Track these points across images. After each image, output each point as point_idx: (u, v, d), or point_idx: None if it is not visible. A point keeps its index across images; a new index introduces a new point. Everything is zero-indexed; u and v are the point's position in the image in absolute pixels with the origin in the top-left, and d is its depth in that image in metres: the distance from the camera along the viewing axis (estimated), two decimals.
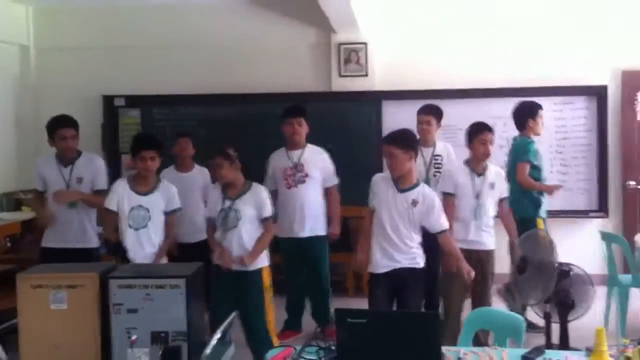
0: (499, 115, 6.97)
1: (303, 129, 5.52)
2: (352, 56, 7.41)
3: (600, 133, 7.02)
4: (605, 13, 7.03)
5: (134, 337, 2.75)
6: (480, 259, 4.70)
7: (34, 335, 2.86)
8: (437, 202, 4.25)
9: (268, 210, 4.50)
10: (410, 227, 4.22)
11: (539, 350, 2.82)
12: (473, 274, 4.29)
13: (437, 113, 5.65)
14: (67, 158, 4.91)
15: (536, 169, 5.57)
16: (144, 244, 4.51)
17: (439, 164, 5.51)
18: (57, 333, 2.83)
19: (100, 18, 7.64)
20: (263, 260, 4.52)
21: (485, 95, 7.10)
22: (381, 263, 4.25)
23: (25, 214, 6.62)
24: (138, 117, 7.59)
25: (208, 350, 2.79)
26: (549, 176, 6.79)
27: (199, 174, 5.77)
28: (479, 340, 3.77)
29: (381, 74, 7.37)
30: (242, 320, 4.36)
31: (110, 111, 7.56)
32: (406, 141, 4.20)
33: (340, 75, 7.42)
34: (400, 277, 4.21)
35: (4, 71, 7.42)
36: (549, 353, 2.82)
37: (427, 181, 5.02)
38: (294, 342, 3.56)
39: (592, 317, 4.47)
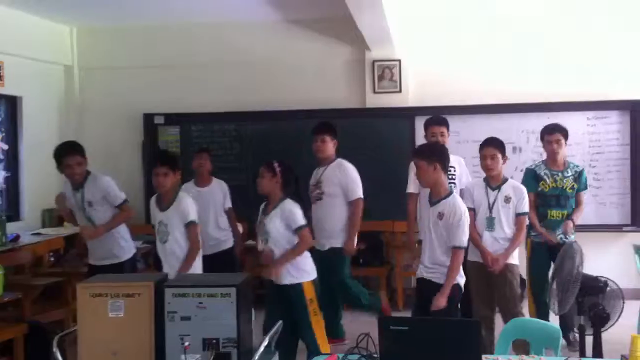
0: (532, 130, 7.07)
1: (327, 145, 5.62)
2: (386, 73, 7.56)
3: (634, 147, 7.05)
4: (638, 27, 7.09)
5: (186, 344, 2.89)
6: (491, 273, 4.81)
7: (93, 342, 3.02)
8: (460, 215, 4.14)
9: (297, 222, 4.51)
10: (437, 241, 4.21)
11: (576, 359, 2.92)
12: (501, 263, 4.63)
13: (447, 124, 5.72)
14: (75, 183, 5.05)
15: (541, 196, 5.48)
16: (168, 257, 4.70)
17: (452, 174, 5.60)
18: (115, 340, 2.99)
19: (140, 38, 7.94)
20: (303, 276, 4.59)
21: (518, 111, 7.18)
22: (418, 269, 4.38)
23: (67, 229, 6.83)
24: (177, 134, 7.82)
25: (256, 357, 2.94)
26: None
27: (218, 187, 5.98)
28: (519, 349, 3.84)
29: (414, 90, 7.52)
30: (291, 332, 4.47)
31: (150, 129, 7.81)
32: (429, 152, 4.25)
33: (375, 92, 7.58)
34: (425, 287, 4.26)
35: (49, 90, 7.71)
36: None
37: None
38: (334, 350, 3.66)
39: (624, 330, 4.51)
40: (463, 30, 7.40)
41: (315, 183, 5.65)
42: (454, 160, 5.71)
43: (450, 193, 4.25)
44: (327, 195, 5.58)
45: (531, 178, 5.48)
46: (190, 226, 4.68)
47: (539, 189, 5.45)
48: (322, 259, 5.56)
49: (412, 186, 5.48)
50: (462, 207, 4.18)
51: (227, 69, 7.79)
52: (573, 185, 5.47)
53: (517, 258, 4.98)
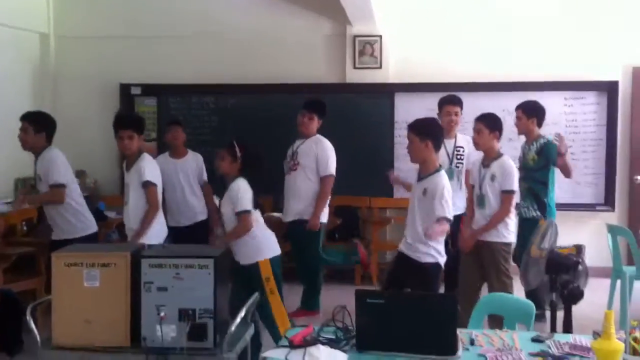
0: (510, 109, 7.06)
1: (313, 123, 5.69)
2: (367, 49, 7.52)
3: (610, 128, 7.13)
4: (617, 10, 7.14)
5: (162, 314, 2.89)
6: (481, 248, 4.83)
7: (67, 311, 3.00)
8: (442, 191, 4.13)
9: (241, 205, 4.32)
10: (420, 218, 4.20)
11: (547, 334, 2.96)
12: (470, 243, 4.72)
13: (461, 104, 5.79)
14: (34, 154, 5.09)
15: None
16: (128, 219, 4.70)
17: (461, 155, 5.64)
18: (90, 309, 2.98)
19: (119, 7, 7.80)
20: (258, 254, 4.45)
21: (496, 89, 7.19)
22: (401, 243, 4.39)
23: None
24: (154, 106, 7.73)
25: (233, 328, 2.94)
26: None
27: (192, 159, 5.92)
28: (495, 324, 3.88)
29: (395, 66, 7.49)
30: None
31: (127, 99, 7.70)
32: (423, 128, 4.22)
33: (355, 67, 7.53)
34: (404, 263, 4.28)
35: (23, 58, 7.55)
36: (557, 336, 2.96)
37: (450, 173, 5.09)
38: (307, 322, 3.63)
39: (593, 308, 4.60)
40: (445, 8, 7.38)
41: (291, 154, 5.72)
42: (462, 139, 5.78)
43: (437, 170, 4.25)
44: (301, 167, 5.64)
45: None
46: (147, 187, 4.61)
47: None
48: (290, 230, 5.71)
49: None
50: (443, 183, 4.18)
51: (207, 41, 7.69)
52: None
53: (509, 235, 4.89)
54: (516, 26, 7.27)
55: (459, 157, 5.68)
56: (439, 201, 4.11)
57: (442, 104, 5.81)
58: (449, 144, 5.61)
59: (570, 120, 7.17)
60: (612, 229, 5.74)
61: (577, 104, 7.18)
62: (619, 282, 5.58)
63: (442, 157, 5.30)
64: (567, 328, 4.09)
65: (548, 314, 4.14)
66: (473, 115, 5.13)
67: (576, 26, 7.19)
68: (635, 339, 2.35)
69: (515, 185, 4.87)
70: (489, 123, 4.88)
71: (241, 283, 4.33)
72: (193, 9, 7.67)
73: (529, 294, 4.57)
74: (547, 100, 6.51)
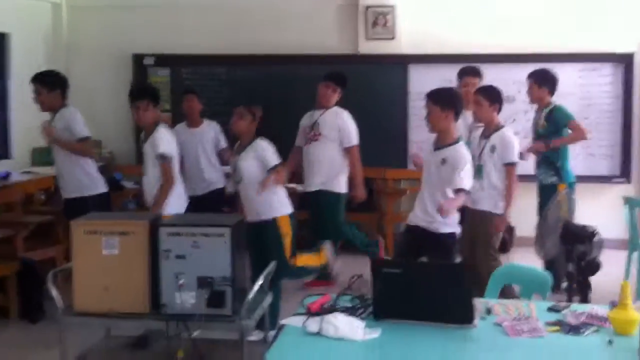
0: (524, 81, 7.02)
1: (334, 95, 5.72)
2: (380, 19, 7.45)
3: (626, 100, 7.05)
4: None
5: (181, 281, 2.93)
6: (472, 218, 4.78)
7: (87, 278, 3.06)
8: (464, 162, 4.15)
9: (271, 161, 4.45)
10: (438, 187, 4.20)
11: (564, 303, 2.98)
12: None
13: (481, 76, 5.74)
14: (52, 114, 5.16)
15: None
16: (145, 190, 4.73)
17: (480, 127, 5.61)
18: (109, 276, 3.02)
19: None
20: (277, 210, 4.54)
21: (510, 61, 7.11)
22: (410, 216, 4.39)
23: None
24: (167, 76, 7.70)
25: (251, 296, 2.97)
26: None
27: (209, 127, 5.93)
28: (504, 295, 3.89)
29: (408, 37, 7.40)
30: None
31: (139, 70, 7.68)
32: (444, 98, 4.18)
33: (367, 39, 7.47)
34: (418, 235, 4.28)
35: (36, 28, 7.53)
36: (574, 306, 2.97)
37: (468, 144, 5.03)
38: (323, 291, 3.67)
39: (610, 279, 4.60)
40: None
41: (310, 125, 5.71)
42: None
43: (457, 141, 4.24)
44: (324, 138, 5.65)
45: None
46: (161, 160, 4.57)
47: None
48: (312, 199, 5.71)
49: None
50: (464, 153, 4.20)
51: (220, 12, 7.63)
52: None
53: (491, 206, 4.83)
54: None
55: (479, 127, 5.66)
56: (459, 172, 4.10)
57: (462, 74, 5.77)
58: (469, 115, 5.58)
59: (585, 92, 7.10)
60: (628, 201, 5.72)
61: (591, 76, 7.09)
62: (635, 254, 5.57)
63: (460, 129, 5.24)
64: (584, 299, 4.11)
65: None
66: None
67: None
68: None
69: (516, 157, 4.85)
70: (489, 95, 4.86)
71: (254, 245, 4.37)
72: None
73: (547, 265, 4.60)
74: (562, 71, 6.44)
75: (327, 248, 4.98)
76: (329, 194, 5.69)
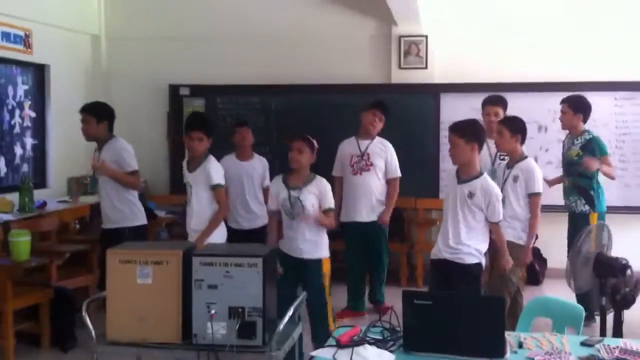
0: (558, 110, 6.97)
1: (379, 122, 5.84)
2: (412, 48, 7.52)
3: None
4: None
5: (213, 312, 2.95)
6: (495, 249, 4.69)
7: (121, 306, 3.09)
8: (495, 193, 4.21)
9: (330, 202, 4.52)
10: (464, 221, 4.20)
11: (597, 337, 2.94)
12: (509, 265, 4.50)
13: (504, 104, 5.72)
14: (98, 145, 5.24)
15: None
16: (190, 218, 4.72)
17: (504, 156, 5.59)
18: (142, 305, 3.06)
19: (167, 9, 7.96)
20: (324, 251, 4.59)
21: (544, 89, 7.11)
22: (434, 251, 4.37)
23: (93, 197, 6.91)
24: (202, 106, 7.84)
25: (281, 327, 2.99)
26: None
27: (259, 162, 5.92)
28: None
29: (440, 66, 7.47)
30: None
31: (175, 100, 7.84)
32: (469, 131, 4.20)
33: (400, 68, 7.54)
34: (444, 268, 4.27)
35: (76, 59, 7.75)
36: (607, 340, 2.93)
37: (492, 172, 5.04)
38: (353, 323, 3.68)
39: None
40: (490, 7, 7.32)
41: (360, 154, 5.78)
42: None
43: (482, 173, 4.26)
44: (374, 168, 5.76)
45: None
46: (216, 189, 4.64)
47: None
48: (364, 229, 5.79)
49: None
50: (497, 188, 4.27)
51: (253, 42, 7.78)
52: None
53: (517, 237, 4.79)
54: (565, 25, 7.17)
55: (502, 157, 5.62)
56: (494, 205, 4.18)
57: (484, 104, 5.78)
58: (492, 143, 5.57)
59: (621, 121, 7.04)
60: None
61: (627, 104, 7.04)
62: None
63: (484, 157, 5.31)
64: (617, 333, 4.04)
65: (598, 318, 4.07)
66: (521, 116, 5.07)
67: (626, 25, 7.07)
68: None
69: (541, 187, 4.81)
70: (510, 125, 4.85)
71: (291, 279, 4.41)
72: (238, 11, 7.78)
73: (580, 297, 4.53)
74: (597, 100, 6.43)
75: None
76: (377, 223, 5.80)
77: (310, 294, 4.33)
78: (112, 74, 8.06)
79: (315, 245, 4.54)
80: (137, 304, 3.07)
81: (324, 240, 4.61)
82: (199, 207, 4.66)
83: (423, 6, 6.87)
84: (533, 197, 4.78)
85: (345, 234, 5.87)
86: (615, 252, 4.44)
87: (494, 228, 4.32)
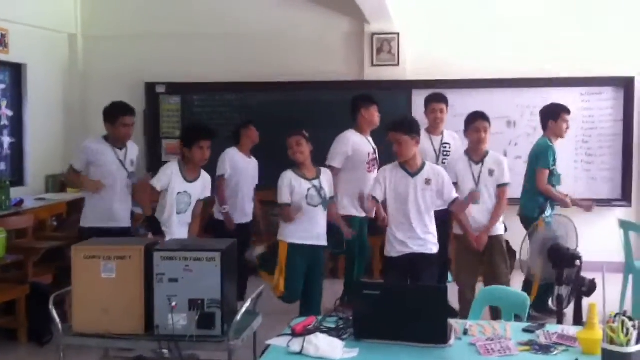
0: (527, 105, 7.20)
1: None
2: (385, 46, 7.65)
3: (626, 123, 7.17)
4: (634, 5, 7.16)
5: (174, 304, 3.09)
6: (488, 243, 4.91)
7: (86, 300, 3.23)
8: (443, 171, 4.52)
9: (332, 192, 4.93)
10: (426, 209, 4.41)
11: (540, 324, 3.09)
12: (484, 240, 4.76)
13: (447, 101, 5.85)
14: (121, 142, 5.11)
15: (553, 175, 5.64)
16: (182, 227, 4.77)
17: (447, 151, 5.71)
18: (107, 299, 3.19)
19: (144, 6, 8.04)
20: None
21: (513, 85, 7.29)
22: (395, 249, 4.49)
23: (70, 194, 7.03)
24: (178, 104, 7.94)
25: (238, 317, 3.13)
26: (574, 166, 7.01)
27: (255, 162, 6.18)
28: (496, 317, 4.00)
29: (412, 63, 7.61)
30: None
31: (151, 98, 7.94)
32: (412, 127, 4.41)
33: (373, 65, 7.67)
34: (413, 262, 4.42)
35: (53, 58, 7.84)
36: (548, 326, 3.08)
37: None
38: None
39: (607, 302, 4.66)
40: (461, 5, 7.47)
41: (373, 151, 5.83)
42: (448, 136, 5.84)
43: (424, 162, 4.49)
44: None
45: (552, 153, 5.57)
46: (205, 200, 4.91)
47: (553, 167, 5.60)
48: (361, 224, 5.79)
49: None
50: (440, 166, 4.61)
51: (229, 40, 7.90)
52: None
53: (502, 229, 5.08)
54: (532, 22, 7.33)
55: (445, 153, 5.74)
56: (448, 183, 4.46)
57: (427, 101, 5.87)
58: (435, 140, 5.72)
59: (587, 116, 7.21)
60: (623, 225, 5.80)
61: (593, 100, 7.22)
62: (630, 276, 5.64)
63: (429, 153, 5.55)
64: (578, 321, 4.20)
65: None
66: (490, 112, 5.18)
67: (592, 22, 7.23)
68: (611, 329, 2.47)
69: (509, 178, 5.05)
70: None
71: (303, 269, 4.75)
72: (215, 9, 7.88)
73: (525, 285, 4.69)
74: (564, 95, 6.62)
75: None
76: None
77: (318, 280, 4.74)
78: (89, 72, 8.13)
79: (324, 230, 4.84)
80: (101, 298, 3.19)
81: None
82: (190, 217, 4.78)
83: (395, 4, 7.00)
84: (503, 187, 4.98)
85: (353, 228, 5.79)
86: (582, 244, 4.59)
87: (455, 205, 4.54)
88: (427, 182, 4.39)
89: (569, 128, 5.72)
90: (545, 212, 5.48)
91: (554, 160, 5.60)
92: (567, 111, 5.68)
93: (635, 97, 7.16)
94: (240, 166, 5.97)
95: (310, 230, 4.74)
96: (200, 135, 4.66)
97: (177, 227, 4.71)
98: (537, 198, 5.58)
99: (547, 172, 5.54)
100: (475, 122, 4.96)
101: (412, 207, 4.40)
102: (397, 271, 4.48)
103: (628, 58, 7.20)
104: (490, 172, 4.96)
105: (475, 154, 5.00)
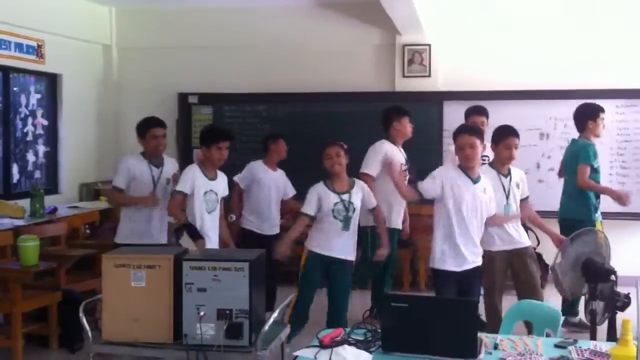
0: (560, 117, 7.11)
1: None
2: (416, 57, 7.64)
3: None
4: None
5: (202, 313, 3.10)
6: (520, 256, 4.82)
7: (116, 308, 3.25)
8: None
9: (374, 202, 4.95)
10: (482, 219, 4.36)
11: (572, 340, 3.03)
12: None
13: (487, 114, 5.84)
14: (157, 158, 5.12)
15: (595, 172, 5.64)
16: (214, 227, 4.83)
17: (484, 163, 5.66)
18: (136, 307, 3.21)
19: (177, 19, 8.12)
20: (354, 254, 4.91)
21: (546, 97, 7.21)
22: (457, 261, 4.30)
23: (103, 203, 7.11)
24: (210, 114, 8.02)
25: (266, 327, 3.12)
26: (609, 178, 6.91)
27: (282, 174, 6.21)
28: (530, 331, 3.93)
29: (443, 75, 7.59)
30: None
31: (184, 108, 8.03)
32: (481, 133, 4.42)
33: (404, 76, 7.66)
34: (472, 277, 4.34)
35: (88, 69, 7.97)
36: (580, 342, 3.02)
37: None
38: None
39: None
40: (493, 16, 7.42)
41: (405, 162, 5.77)
42: (489, 149, 5.77)
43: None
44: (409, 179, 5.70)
45: (592, 150, 5.60)
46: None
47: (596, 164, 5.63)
48: (392, 235, 5.63)
49: None
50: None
51: (259, 52, 7.96)
52: None
53: (534, 240, 5.06)
54: (567, 34, 7.25)
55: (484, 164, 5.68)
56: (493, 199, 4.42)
57: (468, 114, 5.86)
58: None
59: (622, 129, 7.11)
60: None
61: (628, 112, 7.11)
62: None
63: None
64: (612, 337, 4.12)
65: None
66: (522, 124, 5.19)
67: (627, 32, 7.14)
68: None
69: None
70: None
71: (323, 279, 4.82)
72: (246, 22, 7.94)
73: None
74: None
75: None
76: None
77: (341, 293, 4.73)
78: (123, 82, 8.26)
79: (352, 246, 4.86)
80: (131, 306, 3.22)
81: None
82: (218, 217, 4.87)
83: (426, 16, 6.99)
84: (527, 199, 4.98)
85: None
86: (615, 258, 4.54)
87: (491, 220, 4.48)
88: (484, 191, 4.35)
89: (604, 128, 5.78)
90: (596, 213, 5.55)
91: (596, 158, 5.59)
92: (603, 110, 5.75)
93: None
94: (261, 177, 5.98)
95: (334, 243, 4.75)
96: (218, 136, 4.77)
97: (211, 228, 4.77)
98: (580, 197, 5.57)
99: (589, 168, 5.51)
100: (507, 138, 4.84)
101: (474, 215, 4.29)
102: (451, 287, 4.27)
103: None
104: (517, 185, 4.92)
105: (503, 167, 4.94)
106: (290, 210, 6.24)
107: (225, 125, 7.76)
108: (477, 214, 4.30)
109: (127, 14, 8.24)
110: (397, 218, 5.73)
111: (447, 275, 4.27)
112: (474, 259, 4.32)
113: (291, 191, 6.20)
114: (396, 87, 7.67)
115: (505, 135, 4.84)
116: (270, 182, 6.04)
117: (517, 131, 4.92)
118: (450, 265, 4.28)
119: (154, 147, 5.09)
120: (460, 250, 4.27)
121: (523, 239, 4.88)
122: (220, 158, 4.77)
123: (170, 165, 5.22)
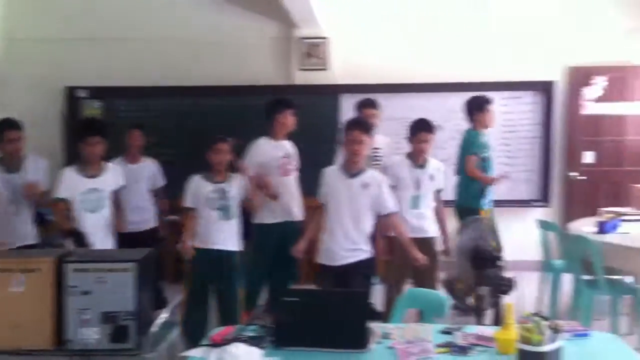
0: (453, 109, 7.29)
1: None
2: (313, 50, 7.65)
3: (546, 126, 7.39)
4: (554, 11, 7.41)
5: (86, 317, 2.97)
6: (423, 246, 4.88)
7: None
8: (386, 183, 4.37)
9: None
10: (362, 214, 4.26)
11: (458, 325, 3.12)
12: (424, 259, 4.50)
13: (377, 106, 5.85)
14: (15, 162, 4.92)
15: (484, 161, 5.85)
16: (103, 224, 4.66)
17: (379, 156, 5.74)
18: (16, 314, 3.03)
19: (67, 9, 7.79)
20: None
21: (438, 90, 7.41)
22: (331, 256, 4.30)
23: None
24: (101, 108, 7.73)
25: (153, 329, 3.04)
26: (496, 167, 7.15)
27: (147, 164, 5.99)
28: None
29: (341, 68, 7.62)
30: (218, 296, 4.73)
31: (72, 102, 7.70)
32: (370, 128, 4.38)
33: (301, 69, 7.65)
34: (349, 273, 4.27)
35: None
36: (466, 327, 3.11)
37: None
38: None
39: (526, 301, 4.78)
40: (387, 10, 7.54)
41: (287, 156, 5.56)
42: (381, 141, 5.83)
43: (366, 167, 4.38)
44: (295, 170, 5.63)
45: (478, 140, 5.80)
46: (121, 190, 4.89)
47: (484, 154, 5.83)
48: (292, 230, 5.49)
49: None
50: (382, 175, 4.44)
51: (154, 44, 7.75)
52: None
53: (436, 231, 5.11)
54: (457, 28, 7.48)
55: (376, 158, 5.74)
56: (389, 195, 4.34)
57: (360, 107, 5.85)
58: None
59: (508, 120, 7.38)
60: (542, 225, 5.95)
61: (514, 104, 7.41)
62: (548, 275, 5.79)
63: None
64: (497, 321, 4.28)
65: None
66: (415, 116, 5.24)
67: (514, 28, 7.43)
68: (525, 329, 2.51)
69: None
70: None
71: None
72: (140, 12, 7.72)
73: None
74: None
75: None
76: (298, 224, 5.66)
77: (229, 288, 4.70)
78: (7, 75, 7.80)
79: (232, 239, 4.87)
80: (10, 313, 3.04)
81: None
82: (108, 214, 4.72)
83: (322, 10, 7.01)
84: (441, 192, 5.14)
85: (275, 233, 5.59)
86: (503, 243, 4.72)
87: (393, 219, 4.40)
88: (365, 185, 4.26)
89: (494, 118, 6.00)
90: (483, 200, 5.72)
91: (484, 148, 5.80)
92: (490, 102, 5.96)
93: (555, 100, 7.37)
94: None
95: (209, 234, 4.69)
96: (85, 132, 4.63)
97: (96, 227, 4.59)
98: (469, 186, 5.77)
99: (474, 157, 5.74)
100: (419, 133, 4.98)
101: (345, 209, 4.25)
102: (332, 281, 4.26)
103: (547, 63, 7.41)
104: (431, 177, 5.04)
105: (418, 159, 5.03)
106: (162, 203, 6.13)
107: (118, 121, 7.51)
108: (351, 208, 4.25)
109: (14, 4, 7.82)
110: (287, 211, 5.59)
111: (324, 269, 4.31)
112: (351, 254, 4.25)
113: (161, 180, 6.06)
114: (294, 80, 7.66)
115: (417, 130, 5.01)
116: (130, 177, 5.59)
117: (430, 126, 5.03)
118: (326, 259, 4.29)
119: (9, 151, 4.88)
120: (333, 246, 4.27)
121: (427, 229, 4.97)
122: (92, 154, 4.60)
123: (34, 166, 5.00)
